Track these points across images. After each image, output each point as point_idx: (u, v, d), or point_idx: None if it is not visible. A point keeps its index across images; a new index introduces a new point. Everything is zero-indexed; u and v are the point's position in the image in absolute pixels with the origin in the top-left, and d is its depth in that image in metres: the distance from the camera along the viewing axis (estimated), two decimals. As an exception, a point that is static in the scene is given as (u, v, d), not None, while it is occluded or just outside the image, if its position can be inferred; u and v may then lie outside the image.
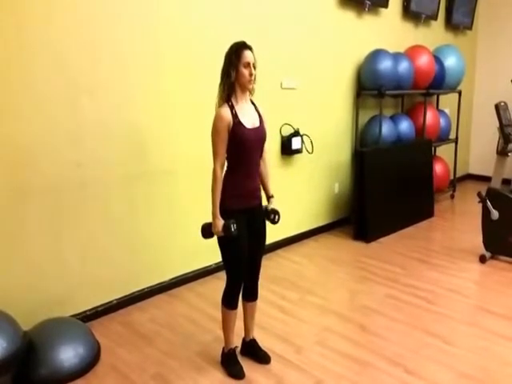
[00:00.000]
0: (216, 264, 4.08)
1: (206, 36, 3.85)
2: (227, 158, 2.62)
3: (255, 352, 2.94)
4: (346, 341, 3.16)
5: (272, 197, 2.87)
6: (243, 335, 2.99)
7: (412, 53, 5.72)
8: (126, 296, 3.63)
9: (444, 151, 6.82)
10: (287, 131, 4.70)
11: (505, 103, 4.60)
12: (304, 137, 4.81)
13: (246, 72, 2.52)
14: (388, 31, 5.81)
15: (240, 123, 2.54)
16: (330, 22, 5.03)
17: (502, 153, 4.54)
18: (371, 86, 5.32)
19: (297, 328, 3.33)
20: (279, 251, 4.78)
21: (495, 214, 4.32)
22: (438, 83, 6.06)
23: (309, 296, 3.82)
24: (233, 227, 2.54)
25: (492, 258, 4.51)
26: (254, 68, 2.56)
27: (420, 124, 5.98)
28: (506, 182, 5.60)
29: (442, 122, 6.39)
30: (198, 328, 3.33)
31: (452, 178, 6.91)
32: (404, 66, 5.42)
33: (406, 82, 5.52)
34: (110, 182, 3.42)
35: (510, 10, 7.37)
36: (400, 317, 3.47)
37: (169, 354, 3.02)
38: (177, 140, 3.78)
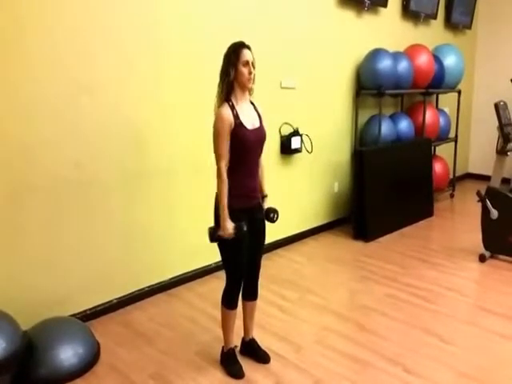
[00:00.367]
0: (215, 263, 4.08)
1: (206, 35, 3.85)
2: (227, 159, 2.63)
3: (255, 351, 2.94)
4: (345, 340, 3.16)
5: (266, 196, 2.87)
6: (243, 335, 2.99)
7: (411, 52, 5.72)
8: (125, 295, 3.63)
9: (443, 150, 6.82)
10: (287, 131, 4.70)
11: (504, 102, 4.60)
12: (303, 136, 4.81)
13: (245, 71, 2.52)
14: (387, 30, 5.81)
15: (241, 124, 2.54)
16: (330, 22, 5.03)
17: (501, 152, 4.54)
18: (371, 85, 5.32)
19: (296, 327, 3.33)
20: (279, 251, 4.78)
21: (495, 214, 4.32)
22: (438, 82, 6.06)
23: (308, 295, 3.82)
24: (244, 227, 2.55)
25: (491, 257, 4.51)
26: (253, 67, 2.56)
27: (419, 123, 5.97)
28: (505, 181, 5.60)
29: (442, 121, 6.39)
30: (197, 327, 3.33)
31: (451, 177, 6.91)
32: (403, 66, 5.42)
33: (406, 82, 5.52)
34: (109, 181, 3.42)
35: (510, 9, 7.38)
36: (399, 316, 3.47)
37: (168, 354, 3.02)
38: (176, 139, 3.78)
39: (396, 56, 5.40)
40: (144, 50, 3.50)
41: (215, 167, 2.60)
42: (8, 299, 2.87)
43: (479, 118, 7.89)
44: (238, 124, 2.53)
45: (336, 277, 4.23)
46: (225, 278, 2.75)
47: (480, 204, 4.43)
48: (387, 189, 5.22)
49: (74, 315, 3.29)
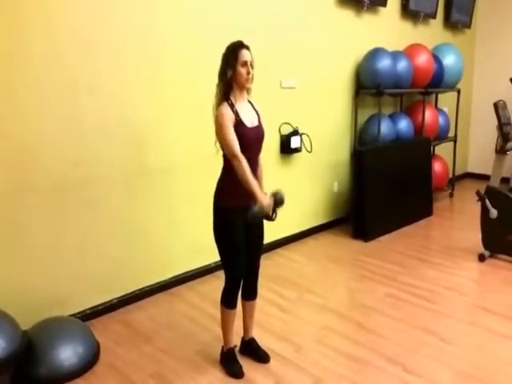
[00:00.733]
0: (215, 263, 4.08)
1: (206, 35, 3.85)
2: (227, 157, 2.62)
3: (254, 351, 2.95)
4: (344, 339, 3.17)
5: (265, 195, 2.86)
6: (242, 334, 2.99)
7: (411, 51, 5.72)
8: (125, 295, 3.63)
9: (443, 150, 6.82)
10: (286, 130, 4.70)
11: (503, 102, 4.60)
12: (303, 136, 4.81)
13: (243, 71, 2.53)
14: (387, 30, 5.81)
15: (241, 122, 2.55)
16: (329, 21, 5.03)
17: (500, 151, 4.54)
18: (370, 84, 5.32)
19: (296, 327, 3.34)
20: (278, 250, 4.78)
21: (494, 213, 4.33)
22: (437, 82, 6.06)
23: (308, 295, 3.82)
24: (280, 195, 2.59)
25: (491, 256, 4.52)
26: (252, 67, 2.57)
27: (419, 123, 5.98)
28: (504, 180, 5.59)
29: (441, 120, 6.39)
30: (197, 327, 3.33)
31: (451, 176, 6.91)
32: (403, 65, 5.42)
33: (405, 81, 5.52)
34: (109, 180, 3.42)
35: (509, 8, 7.38)
36: (399, 315, 3.47)
37: (168, 353, 3.02)
38: (176, 139, 3.78)
39: (395, 55, 5.40)
40: (144, 50, 3.50)
41: (221, 162, 2.64)
42: (8, 299, 2.87)
43: (478, 118, 7.89)
44: (239, 122, 2.54)
45: (336, 276, 4.23)
46: (224, 278, 2.76)
47: (479, 203, 4.43)
48: (387, 188, 5.23)
49: (73, 315, 3.29)
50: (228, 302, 2.75)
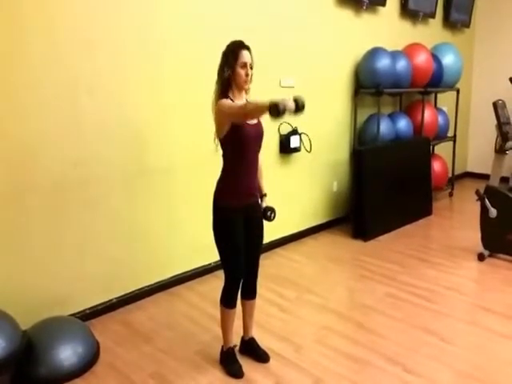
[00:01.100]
0: (215, 263, 4.08)
1: (205, 35, 3.84)
2: (226, 157, 2.63)
3: (254, 351, 2.95)
4: (344, 339, 3.17)
5: (265, 195, 2.87)
6: (242, 334, 2.99)
7: (410, 51, 5.72)
8: (125, 295, 3.63)
9: (442, 149, 6.83)
10: (285, 130, 4.70)
11: (503, 101, 4.60)
12: (302, 135, 4.81)
13: (242, 72, 2.53)
14: (386, 29, 5.81)
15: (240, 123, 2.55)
16: (328, 21, 5.03)
17: (500, 151, 4.54)
18: (369, 84, 5.32)
19: (296, 326, 3.34)
20: (278, 250, 4.78)
21: (493, 212, 4.33)
22: (436, 81, 6.06)
23: (308, 294, 3.82)
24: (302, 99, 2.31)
25: (490, 256, 4.52)
26: (251, 68, 2.57)
27: (418, 122, 5.98)
28: (504, 179, 5.59)
29: (440, 120, 6.39)
30: (197, 327, 3.33)
31: (450, 176, 6.92)
32: (402, 65, 5.42)
33: (404, 81, 5.52)
34: (109, 180, 3.41)
35: (508, 7, 7.38)
36: (398, 315, 3.47)
37: (168, 353, 3.02)
38: (176, 138, 3.78)
39: (394, 55, 5.40)
40: (144, 50, 3.50)
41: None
42: (8, 298, 2.86)
43: (478, 117, 7.89)
44: None
45: (335, 276, 4.23)
46: (223, 277, 2.76)
47: (479, 203, 4.43)
48: (386, 188, 5.23)
49: (73, 315, 3.28)
50: (228, 301, 2.75)
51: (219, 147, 2.64)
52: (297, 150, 4.78)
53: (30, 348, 2.68)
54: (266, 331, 3.23)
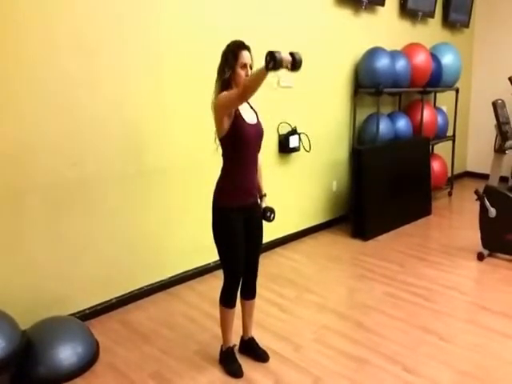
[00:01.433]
0: (214, 262, 4.08)
1: (205, 34, 3.84)
2: (226, 157, 2.63)
3: (254, 350, 2.95)
4: (344, 338, 3.17)
5: (265, 195, 2.87)
6: (242, 333, 2.99)
7: (409, 51, 5.73)
8: (124, 295, 3.63)
9: (441, 149, 6.83)
10: (285, 130, 4.70)
11: (502, 101, 4.60)
12: (301, 135, 4.81)
13: (242, 73, 2.53)
14: (385, 29, 5.82)
15: (241, 116, 2.55)
16: (327, 20, 5.03)
17: (499, 150, 4.54)
18: (368, 83, 5.32)
19: (295, 326, 3.34)
20: (277, 249, 4.79)
21: (493, 212, 4.33)
22: (436, 81, 6.07)
23: (307, 294, 3.82)
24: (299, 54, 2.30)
25: (490, 255, 4.52)
26: (251, 68, 2.57)
27: (417, 122, 5.98)
28: (503, 179, 5.59)
29: (440, 119, 6.40)
30: (196, 326, 3.34)
31: (449, 175, 6.92)
32: (401, 64, 5.43)
33: (404, 80, 5.52)
34: (108, 180, 3.41)
35: (507, 7, 7.38)
36: (398, 314, 3.47)
37: (167, 353, 3.02)
38: (175, 139, 3.78)
39: (394, 55, 5.40)
40: (144, 50, 3.50)
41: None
42: (7, 298, 2.87)
43: (477, 117, 7.90)
44: (238, 116, 2.54)
45: (335, 275, 4.24)
46: (223, 277, 2.76)
47: (478, 202, 4.44)
48: (385, 187, 5.23)
49: (73, 314, 3.28)
50: (227, 301, 2.76)
51: (219, 147, 2.64)
52: (296, 149, 4.78)
53: (29, 348, 2.68)
54: (266, 331, 3.23)
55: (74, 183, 3.23)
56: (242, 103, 2.49)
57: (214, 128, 2.61)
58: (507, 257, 4.44)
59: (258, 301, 2.96)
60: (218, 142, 2.63)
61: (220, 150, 2.64)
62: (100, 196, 3.39)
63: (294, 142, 4.72)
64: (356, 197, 5.09)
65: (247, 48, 2.57)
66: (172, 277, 3.94)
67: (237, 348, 2.96)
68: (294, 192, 4.94)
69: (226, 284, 2.75)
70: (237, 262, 2.69)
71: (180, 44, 3.72)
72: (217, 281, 3.34)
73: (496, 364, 2.90)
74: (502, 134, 4.46)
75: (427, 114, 6.04)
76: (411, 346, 3.08)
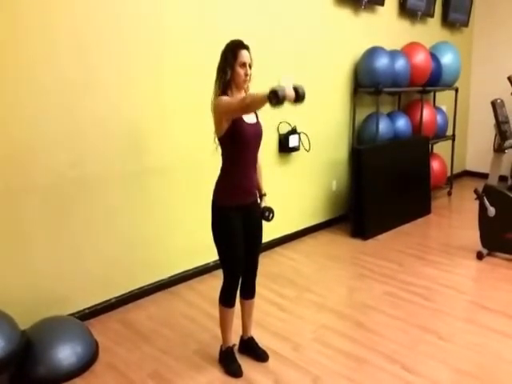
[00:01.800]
0: (214, 262, 4.08)
1: (205, 34, 3.84)
2: (226, 156, 2.63)
3: (253, 350, 2.95)
4: (343, 338, 3.17)
5: (265, 195, 2.88)
6: (241, 333, 2.99)
7: (408, 50, 5.73)
8: (124, 294, 3.63)
9: (441, 148, 6.83)
10: (284, 129, 4.70)
11: (501, 100, 4.60)
12: (301, 135, 4.81)
13: (241, 72, 2.53)
14: (384, 29, 5.82)
15: (241, 116, 2.55)
16: (327, 20, 5.03)
17: (498, 150, 4.54)
18: (368, 83, 5.32)
19: (294, 325, 3.34)
20: (277, 249, 4.79)
21: (492, 211, 4.33)
22: (435, 80, 6.07)
23: (306, 293, 3.83)
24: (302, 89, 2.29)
25: (489, 254, 4.53)
26: (250, 68, 2.57)
27: (417, 121, 5.99)
28: (502, 178, 5.60)
29: (439, 119, 6.40)
30: (196, 326, 3.34)
31: (449, 174, 6.92)
32: (401, 64, 5.43)
33: (403, 80, 5.52)
34: (108, 180, 3.42)
35: (506, 7, 7.38)
36: (397, 313, 3.48)
37: (167, 352, 3.03)
38: (174, 138, 3.78)
39: (393, 54, 5.40)
40: (144, 50, 3.50)
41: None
42: (7, 298, 2.87)
43: (476, 116, 7.89)
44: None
45: (334, 275, 4.24)
46: (222, 277, 2.76)
47: (477, 202, 4.44)
48: (385, 187, 5.23)
49: (72, 314, 3.29)
50: (226, 300, 2.76)
51: (219, 147, 2.64)
52: (296, 149, 4.78)
53: (29, 348, 2.69)
54: (265, 330, 3.23)
55: (74, 183, 3.24)
56: (242, 115, 2.52)
57: (213, 128, 2.61)
58: (506, 256, 4.45)
59: (257, 300, 2.96)
60: (217, 141, 2.63)
61: (219, 150, 2.64)
62: (100, 196, 3.39)
63: (293, 141, 4.72)
64: (356, 196, 5.10)
65: (246, 47, 2.57)
66: (172, 276, 3.94)
67: (236, 348, 2.97)
68: (293, 191, 4.95)
69: (226, 283, 2.75)
70: (236, 261, 2.69)
71: (180, 44, 3.72)
72: (217, 280, 3.34)
73: (495, 363, 2.90)
74: (502, 134, 4.47)
75: (427, 113, 6.04)
76: (410, 345, 3.08)
